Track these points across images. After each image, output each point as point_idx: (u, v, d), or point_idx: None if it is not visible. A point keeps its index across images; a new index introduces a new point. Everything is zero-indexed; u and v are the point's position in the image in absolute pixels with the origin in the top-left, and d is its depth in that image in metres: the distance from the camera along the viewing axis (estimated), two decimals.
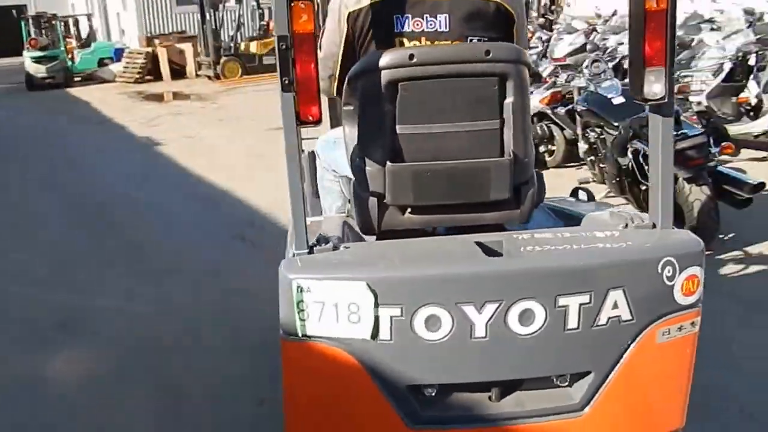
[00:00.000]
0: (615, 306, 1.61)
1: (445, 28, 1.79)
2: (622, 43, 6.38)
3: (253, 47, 14.99)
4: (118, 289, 3.85)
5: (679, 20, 6.78)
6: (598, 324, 1.62)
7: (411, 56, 1.66)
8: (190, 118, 10.33)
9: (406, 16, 1.78)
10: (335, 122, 2.61)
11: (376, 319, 1.56)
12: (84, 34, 17.82)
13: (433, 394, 1.68)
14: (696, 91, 5.79)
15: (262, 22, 15.92)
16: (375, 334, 1.57)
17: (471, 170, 1.73)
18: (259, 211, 5.03)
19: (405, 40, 1.80)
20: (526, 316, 1.58)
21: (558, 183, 4.35)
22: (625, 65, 5.50)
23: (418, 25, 1.79)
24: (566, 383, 1.71)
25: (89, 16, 19.10)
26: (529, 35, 6.51)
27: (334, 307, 1.57)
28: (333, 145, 2.17)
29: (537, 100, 5.43)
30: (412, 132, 1.71)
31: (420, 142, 1.72)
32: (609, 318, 1.62)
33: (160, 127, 9.53)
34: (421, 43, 1.80)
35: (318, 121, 1.56)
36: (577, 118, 4.85)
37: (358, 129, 1.79)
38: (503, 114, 1.72)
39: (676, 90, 3.37)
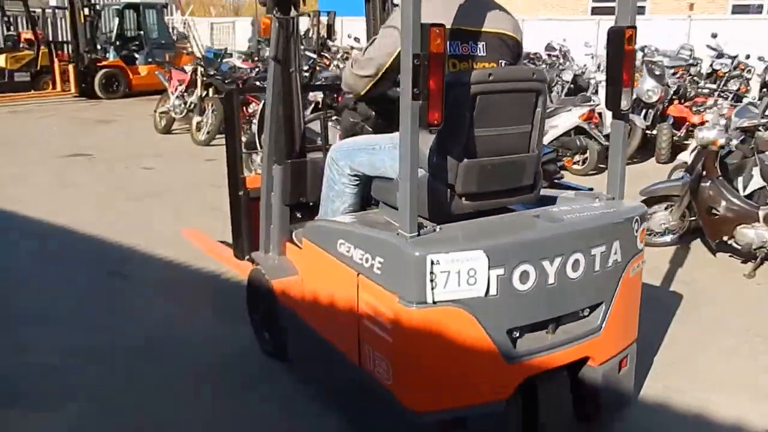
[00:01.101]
0: (616, 252, 2.32)
1: (483, 53, 2.33)
2: None
3: (1, 61, 13.02)
4: None
5: None
6: (608, 266, 2.30)
7: (489, 75, 2.17)
8: None
9: (456, 42, 2.26)
10: (348, 133, 2.92)
11: (488, 279, 2.03)
12: None
13: (518, 335, 2.19)
14: None
15: (10, 32, 14.29)
16: (487, 291, 2.04)
17: (516, 163, 2.32)
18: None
19: (456, 61, 2.27)
20: (575, 265, 2.20)
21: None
22: None
23: (465, 49, 2.29)
24: (588, 314, 2.35)
25: None
26: None
27: (456, 274, 1.99)
28: (359, 151, 2.55)
29: (576, 115, 6.49)
30: (482, 134, 2.20)
31: (486, 142, 2.22)
32: (613, 261, 2.32)
33: None
34: (468, 64, 2.29)
35: (439, 125, 1.94)
36: None
37: (439, 134, 2.14)
38: (534, 120, 2.32)
39: None
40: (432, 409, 2.11)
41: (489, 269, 2.02)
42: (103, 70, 12.79)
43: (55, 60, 13.15)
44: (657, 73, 7.40)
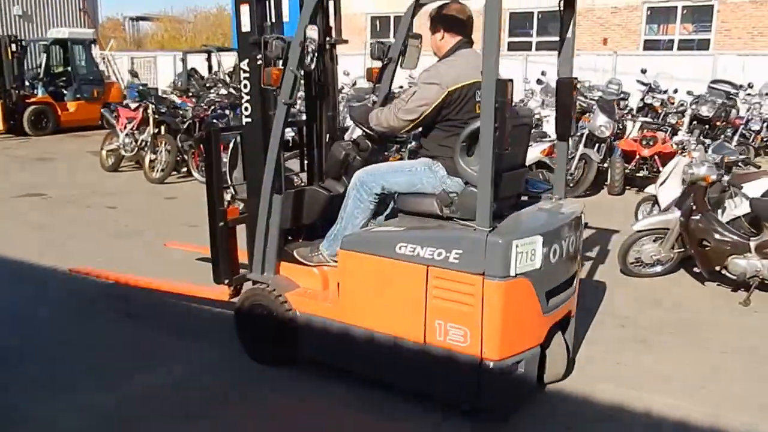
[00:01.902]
0: (579, 230, 3.26)
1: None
2: None
3: None
4: None
5: None
6: (578, 242, 3.24)
7: (516, 113, 3.03)
8: None
9: (479, 91, 2.79)
10: (340, 162, 3.47)
11: (541, 256, 2.79)
12: None
13: (550, 296, 3.00)
14: None
15: None
16: (539, 265, 2.79)
17: (521, 174, 3.25)
18: None
19: (478, 106, 2.85)
20: (570, 245, 3.08)
21: None
22: None
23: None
24: (572, 281, 3.25)
25: None
26: None
27: (526, 254, 2.73)
28: (395, 173, 3.19)
29: (537, 151, 6.99)
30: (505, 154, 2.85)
31: (507, 161, 2.91)
32: (579, 239, 3.26)
33: None
34: None
35: (508, 149, 2.78)
36: None
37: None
38: (526, 144, 3.40)
39: None
40: (506, 356, 2.81)
41: (541, 248, 2.79)
42: (32, 107, 12.64)
43: None
44: (608, 109, 7.82)
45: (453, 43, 3.11)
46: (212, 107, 9.06)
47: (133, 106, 9.26)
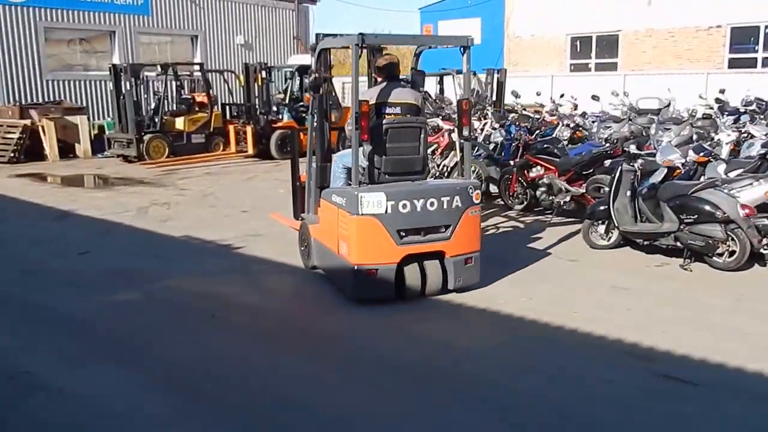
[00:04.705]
0: (457, 201, 5.05)
1: (401, 113, 5.20)
2: None
3: (180, 123, 13.60)
4: None
5: None
6: (452, 207, 5.04)
7: (393, 120, 5.16)
8: (192, 209, 8.71)
9: (387, 108, 5.17)
10: (342, 149, 6.09)
11: (386, 206, 4.80)
12: None
13: (404, 234, 4.93)
14: None
15: (185, 96, 14.74)
16: (386, 211, 4.82)
17: (409, 159, 5.16)
18: None
19: (387, 115, 5.14)
20: (432, 204, 4.96)
21: None
22: None
23: (391, 109, 5.18)
24: (443, 230, 5.05)
25: None
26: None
27: (370, 203, 4.78)
28: (346, 156, 5.27)
29: (761, 192, 5.74)
30: (391, 145, 5.07)
31: (394, 148, 5.07)
32: (456, 205, 5.05)
33: (178, 223, 7.82)
34: (393, 116, 5.15)
35: (368, 141, 4.94)
36: None
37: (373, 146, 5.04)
38: (420, 140, 5.18)
39: None
40: (363, 263, 4.88)
41: (387, 201, 4.81)
42: (278, 131, 13.31)
43: (231, 122, 13.99)
44: None
45: (380, 79, 5.36)
46: (536, 132, 9.22)
47: (446, 127, 8.98)
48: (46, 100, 15.20)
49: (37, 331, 4.65)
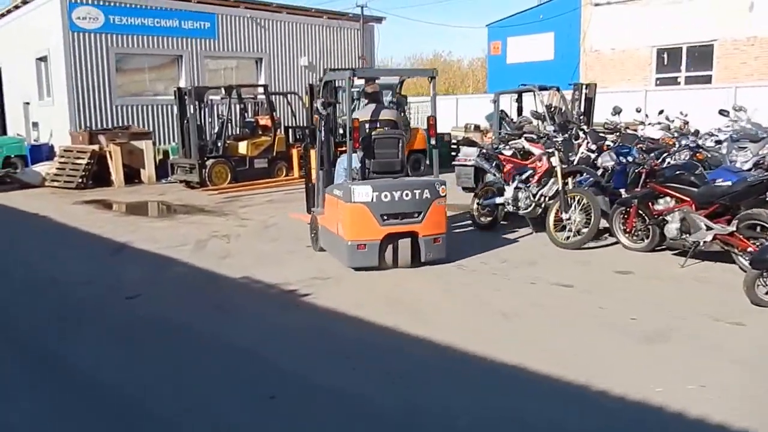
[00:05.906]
0: (426, 194, 6.34)
1: (383, 127, 6.76)
2: None
3: (243, 148, 13.18)
4: None
5: None
6: (423, 198, 6.33)
7: (379, 132, 6.71)
8: (254, 243, 8.12)
9: (375, 123, 6.77)
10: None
11: (372, 196, 6.19)
12: None
13: (386, 218, 6.22)
14: None
15: (249, 119, 14.53)
16: (371, 200, 6.18)
17: (391, 162, 6.54)
18: None
19: (374, 129, 6.69)
20: (406, 195, 6.30)
21: None
22: None
23: (377, 125, 6.76)
24: (417, 216, 6.31)
25: None
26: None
27: (360, 193, 6.19)
28: (345, 161, 6.52)
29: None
30: (378, 150, 6.52)
31: (380, 152, 6.53)
32: (425, 197, 6.34)
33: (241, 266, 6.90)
34: (378, 130, 6.70)
35: (359, 148, 6.51)
36: None
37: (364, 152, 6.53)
38: (399, 148, 6.60)
39: None
40: (354, 239, 6.21)
41: (373, 192, 6.14)
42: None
43: (294, 145, 13.20)
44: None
45: (365, 103, 7.17)
46: (662, 157, 7.72)
47: (537, 152, 7.99)
48: (115, 125, 15.34)
49: (62, 404, 3.82)
